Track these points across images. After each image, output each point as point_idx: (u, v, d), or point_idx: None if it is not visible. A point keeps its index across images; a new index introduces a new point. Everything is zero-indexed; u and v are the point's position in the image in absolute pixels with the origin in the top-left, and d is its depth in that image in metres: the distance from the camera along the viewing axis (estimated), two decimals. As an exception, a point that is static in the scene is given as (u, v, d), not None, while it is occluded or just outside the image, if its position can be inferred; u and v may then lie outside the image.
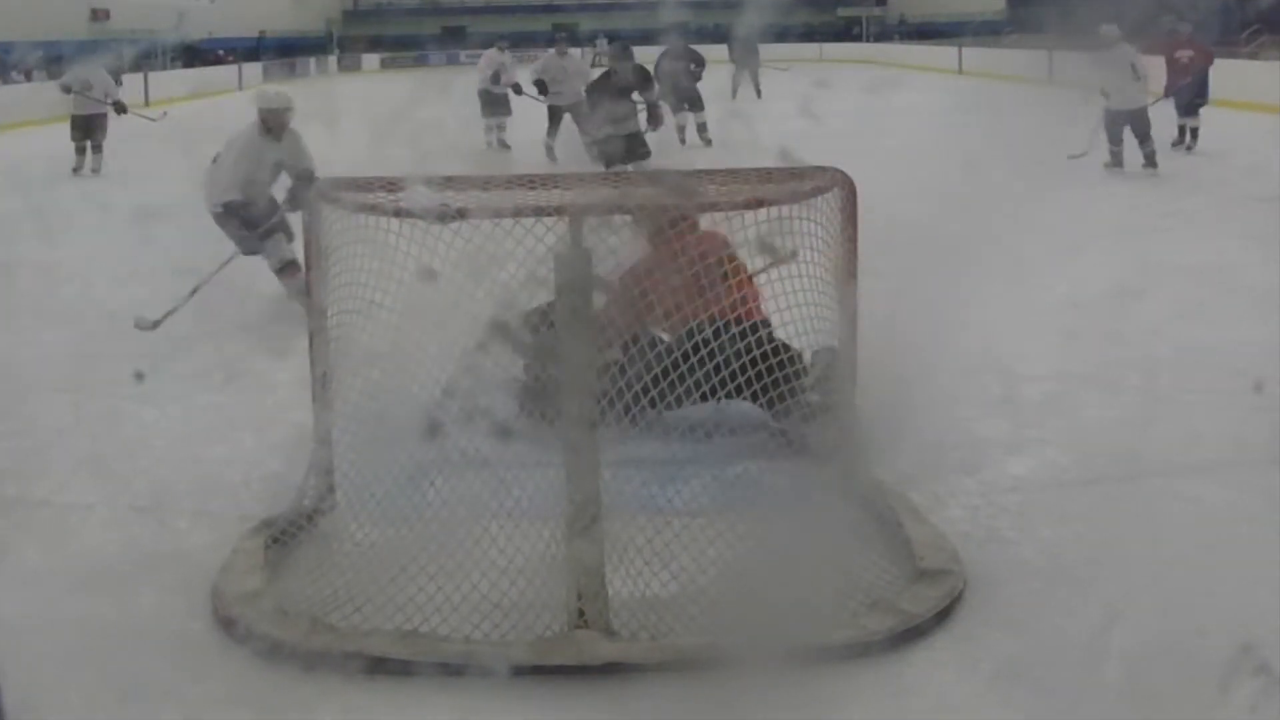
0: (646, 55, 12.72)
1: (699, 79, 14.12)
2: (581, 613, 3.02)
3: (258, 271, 6.61)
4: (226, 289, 6.31)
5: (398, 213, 3.25)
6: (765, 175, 3.56)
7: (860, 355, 3.64)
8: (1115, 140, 11.00)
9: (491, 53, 14.48)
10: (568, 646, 2.98)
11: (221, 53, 36.34)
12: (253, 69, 33.10)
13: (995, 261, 5.18)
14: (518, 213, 3.21)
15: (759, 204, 3.24)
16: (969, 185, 5.64)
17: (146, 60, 29.04)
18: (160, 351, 5.40)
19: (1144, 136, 10.82)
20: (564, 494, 3.05)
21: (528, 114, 13.73)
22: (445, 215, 3.13)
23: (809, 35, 42.51)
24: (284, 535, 3.57)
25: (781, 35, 34.18)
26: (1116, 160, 11.06)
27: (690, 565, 3.18)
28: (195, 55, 35.48)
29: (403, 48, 45.46)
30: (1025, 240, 6.36)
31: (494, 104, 14.16)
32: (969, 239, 4.67)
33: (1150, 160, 10.86)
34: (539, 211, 3.20)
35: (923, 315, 4.25)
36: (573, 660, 2.94)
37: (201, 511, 3.90)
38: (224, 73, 31.34)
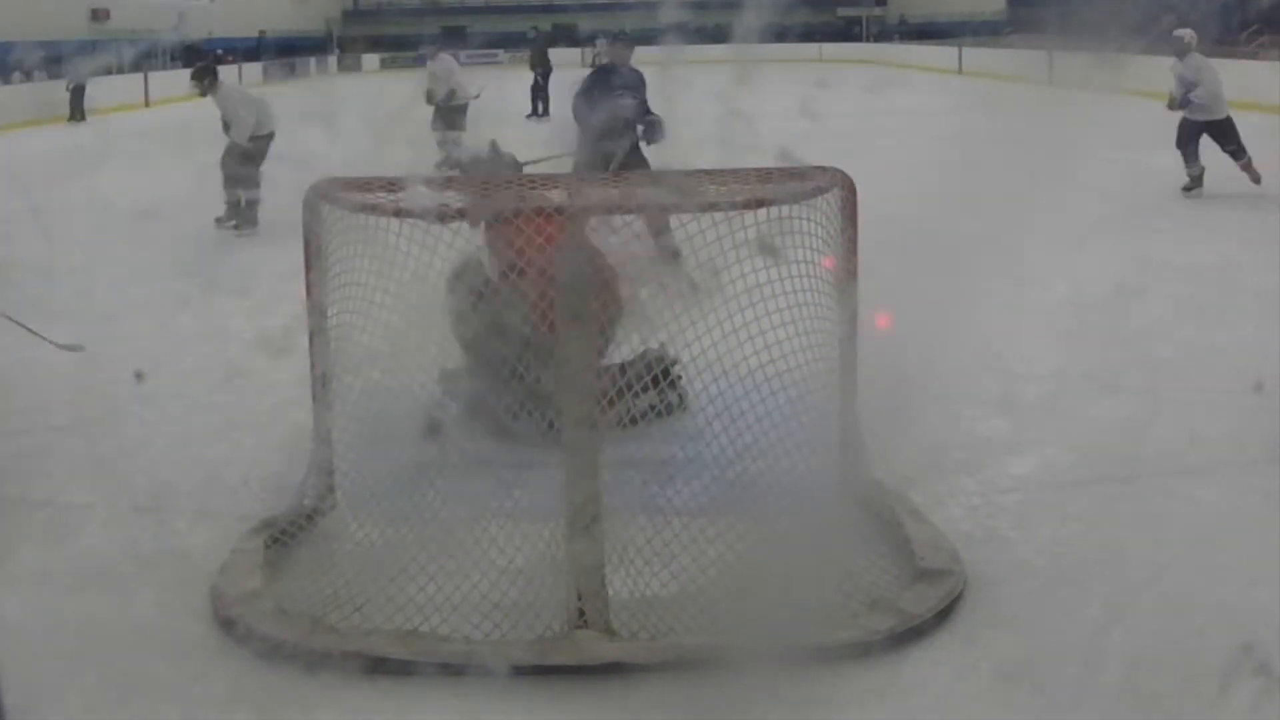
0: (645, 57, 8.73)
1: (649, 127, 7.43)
2: (581, 613, 3.02)
3: (255, 272, 6.62)
4: (226, 290, 6.31)
5: (398, 213, 3.25)
6: (765, 175, 3.56)
7: (860, 355, 3.64)
8: (1192, 159, 9.71)
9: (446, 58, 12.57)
10: (568, 646, 2.98)
11: (221, 53, 36.31)
12: (253, 69, 33.12)
13: (995, 261, 5.17)
14: (517, 213, 3.21)
15: (759, 204, 3.24)
16: (969, 185, 5.63)
17: (146, 60, 29.08)
18: (160, 351, 5.39)
19: (1236, 148, 9.64)
20: (564, 494, 3.05)
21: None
22: (445, 215, 3.14)
23: (809, 35, 42.47)
24: (284, 535, 3.57)
25: (781, 35, 34.13)
26: (1196, 182, 9.73)
27: (690, 565, 3.18)
28: (195, 55, 35.46)
29: (402, 48, 45.42)
30: (1025, 240, 6.35)
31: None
32: (969, 239, 4.67)
33: (1248, 170, 9.59)
34: (538, 211, 3.20)
35: (922, 315, 4.25)
36: (573, 660, 2.94)
37: (201, 511, 3.90)
38: (224, 73, 31.32)
